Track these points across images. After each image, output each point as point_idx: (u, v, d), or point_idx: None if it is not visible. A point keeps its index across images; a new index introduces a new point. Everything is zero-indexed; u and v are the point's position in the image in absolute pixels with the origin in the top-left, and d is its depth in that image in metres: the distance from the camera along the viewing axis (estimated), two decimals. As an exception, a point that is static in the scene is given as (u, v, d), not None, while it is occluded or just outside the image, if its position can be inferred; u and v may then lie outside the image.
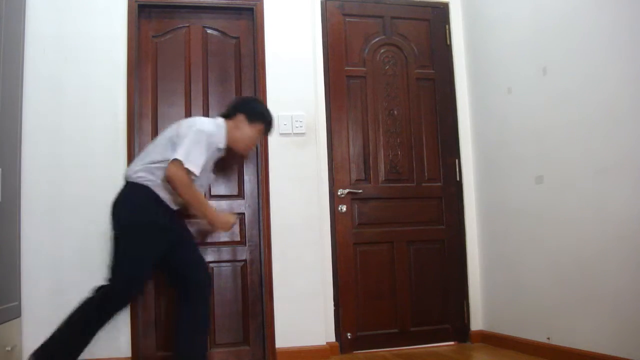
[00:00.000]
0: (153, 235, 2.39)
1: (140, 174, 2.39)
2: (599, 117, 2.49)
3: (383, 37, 3.51)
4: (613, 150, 2.42)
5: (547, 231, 2.83)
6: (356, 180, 3.38)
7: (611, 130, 2.43)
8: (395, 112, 3.47)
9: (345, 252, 3.29)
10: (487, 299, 3.37)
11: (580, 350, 2.56)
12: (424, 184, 3.47)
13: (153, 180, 2.38)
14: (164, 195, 2.40)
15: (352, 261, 3.30)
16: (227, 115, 2.59)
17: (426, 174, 3.48)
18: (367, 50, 3.48)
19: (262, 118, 2.60)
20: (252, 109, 2.59)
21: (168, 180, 2.31)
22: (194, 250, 2.63)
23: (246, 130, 2.55)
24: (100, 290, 2.34)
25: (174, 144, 2.36)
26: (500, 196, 3.24)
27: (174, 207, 2.47)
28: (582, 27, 2.60)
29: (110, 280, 2.35)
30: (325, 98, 3.37)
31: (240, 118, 2.55)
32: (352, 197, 3.34)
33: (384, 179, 3.42)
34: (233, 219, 2.57)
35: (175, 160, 2.28)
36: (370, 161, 3.40)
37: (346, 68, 3.43)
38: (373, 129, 3.43)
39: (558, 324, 2.74)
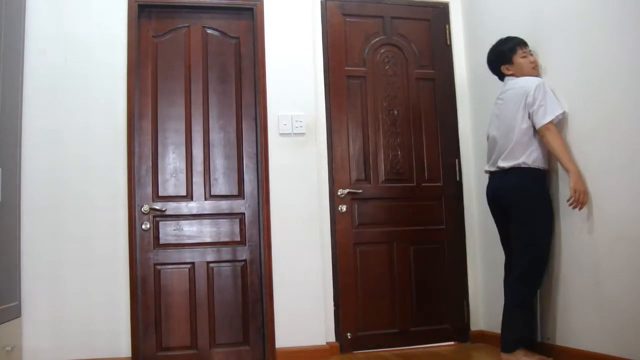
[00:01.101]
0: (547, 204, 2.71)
1: (521, 160, 2.65)
2: (599, 118, 2.49)
3: (383, 37, 3.51)
4: (613, 150, 2.41)
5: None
6: (356, 180, 3.38)
7: (611, 131, 2.42)
8: (396, 112, 3.47)
9: (346, 252, 3.29)
10: (488, 299, 3.37)
11: (580, 350, 2.55)
12: (423, 184, 3.46)
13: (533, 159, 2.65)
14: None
15: (352, 261, 3.30)
16: (502, 68, 2.85)
17: (426, 174, 3.47)
18: (367, 50, 3.48)
19: (512, 46, 2.80)
20: (504, 51, 2.82)
21: (541, 137, 2.61)
22: None
23: (520, 62, 2.78)
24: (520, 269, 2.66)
25: (527, 113, 2.63)
26: (500, 196, 3.23)
27: None
28: (582, 27, 2.60)
29: (527, 256, 2.65)
30: (325, 98, 3.36)
31: (513, 59, 2.80)
32: (352, 197, 3.34)
33: (384, 179, 3.42)
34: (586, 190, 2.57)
35: (545, 123, 2.58)
36: (370, 161, 3.40)
37: (346, 68, 3.43)
38: (373, 129, 3.43)
39: (558, 324, 2.73)
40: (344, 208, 3.31)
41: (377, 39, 3.50)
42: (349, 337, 3.22)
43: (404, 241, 3.39)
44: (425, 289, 3.38)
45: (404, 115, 3.48)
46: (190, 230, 3.14)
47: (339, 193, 3.31)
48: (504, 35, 2.88)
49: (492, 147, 2.83)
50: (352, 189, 3.34)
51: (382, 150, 3.43)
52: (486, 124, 3.33)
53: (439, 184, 3.48)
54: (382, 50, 3.50)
